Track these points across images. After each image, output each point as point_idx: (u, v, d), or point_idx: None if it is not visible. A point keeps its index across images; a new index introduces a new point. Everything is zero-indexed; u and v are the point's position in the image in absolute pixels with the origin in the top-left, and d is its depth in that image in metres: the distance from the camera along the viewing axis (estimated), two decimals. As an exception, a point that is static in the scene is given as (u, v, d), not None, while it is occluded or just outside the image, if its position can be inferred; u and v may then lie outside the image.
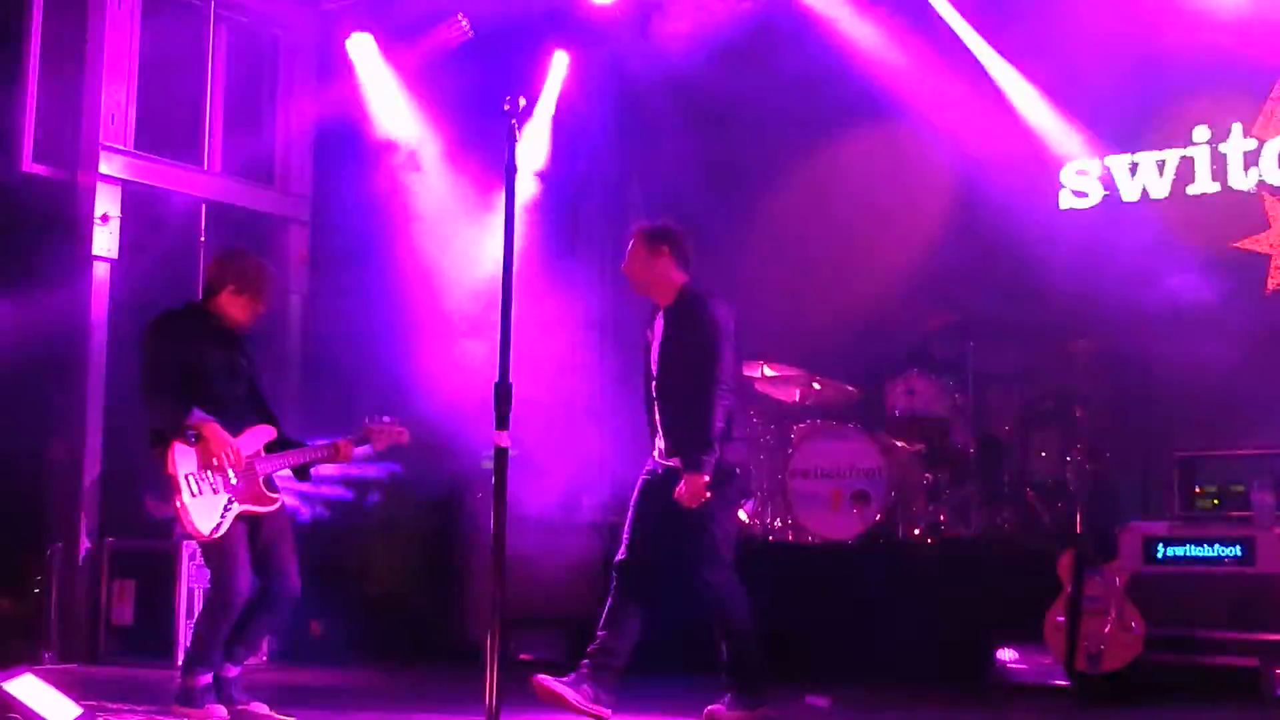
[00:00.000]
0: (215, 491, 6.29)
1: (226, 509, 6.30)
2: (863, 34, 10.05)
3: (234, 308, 6.56)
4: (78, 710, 5.22)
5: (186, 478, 6.26)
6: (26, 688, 5.35)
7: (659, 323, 6.63)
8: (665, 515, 6.41)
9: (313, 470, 6.72)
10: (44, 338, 9.20)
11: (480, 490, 9.84)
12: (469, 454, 9.69)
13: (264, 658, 8.53)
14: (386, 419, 6.75)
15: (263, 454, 6.47)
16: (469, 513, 9.87)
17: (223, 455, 6.27)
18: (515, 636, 8.69)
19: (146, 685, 7.52)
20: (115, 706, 6.49)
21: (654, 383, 6.58)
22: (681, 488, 6.27)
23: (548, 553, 8.90)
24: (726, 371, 6.40)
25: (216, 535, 6.26)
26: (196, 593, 8.77)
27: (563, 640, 8.65)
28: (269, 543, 6.49)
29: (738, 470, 6.54)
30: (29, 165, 9.62)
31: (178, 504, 6.22)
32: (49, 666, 8.04)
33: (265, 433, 6.53)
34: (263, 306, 6.66)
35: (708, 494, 6.26)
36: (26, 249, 9.06)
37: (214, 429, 6.30)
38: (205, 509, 6.27)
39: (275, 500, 6.48)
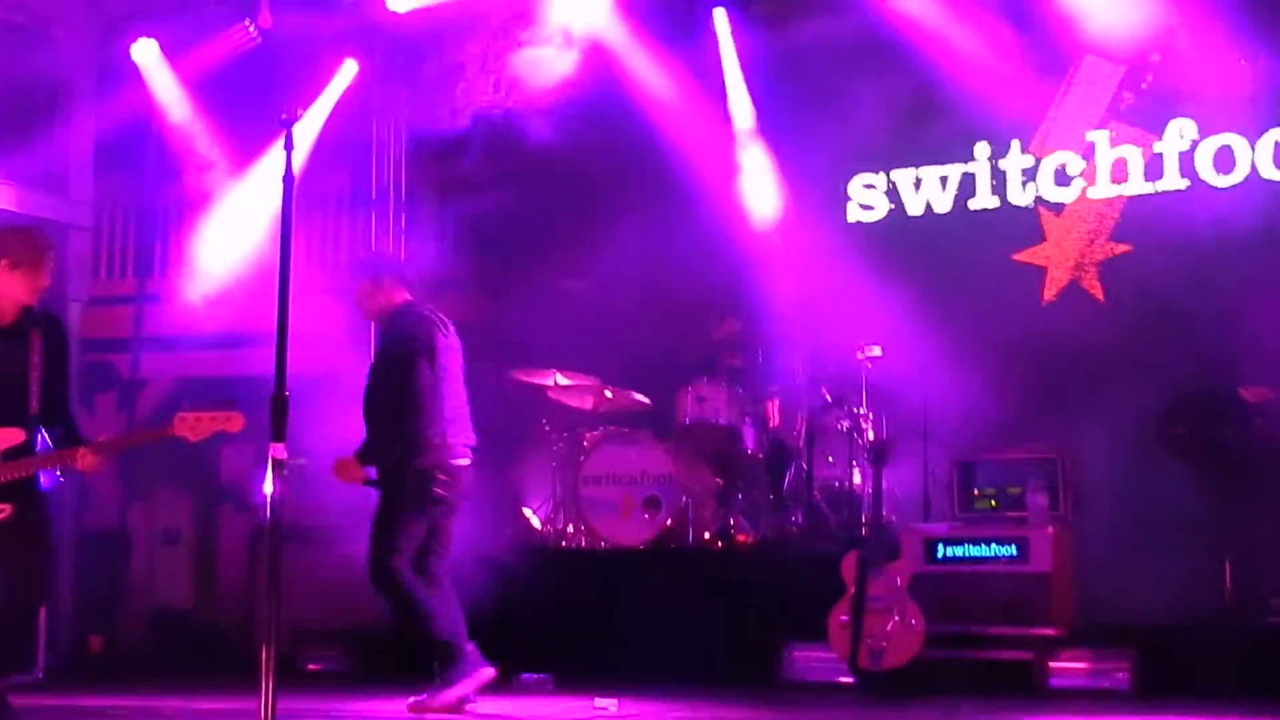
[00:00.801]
0: None
1: None
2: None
3: (10, 286, 6.09)
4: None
5: None
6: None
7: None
8: None
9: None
10: None
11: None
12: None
13: (39, 675, 8.24)
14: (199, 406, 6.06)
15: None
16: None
17: None
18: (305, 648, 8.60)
19: None
20: None
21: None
22: None
23: (334, 564, 8.80)
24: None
25: None
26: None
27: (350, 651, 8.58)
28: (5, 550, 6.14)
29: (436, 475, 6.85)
30: None
31: None
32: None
33: (6, 436, 6.08)
34: (44, 280, 6.17)
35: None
36: None
37: None
38: None
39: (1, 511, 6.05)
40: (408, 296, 7.08)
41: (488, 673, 6.80)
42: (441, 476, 6.88)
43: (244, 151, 10.58)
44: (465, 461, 6.97)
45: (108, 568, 9.95)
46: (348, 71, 10.86)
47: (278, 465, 5.16)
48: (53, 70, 10.84)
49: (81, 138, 10.87)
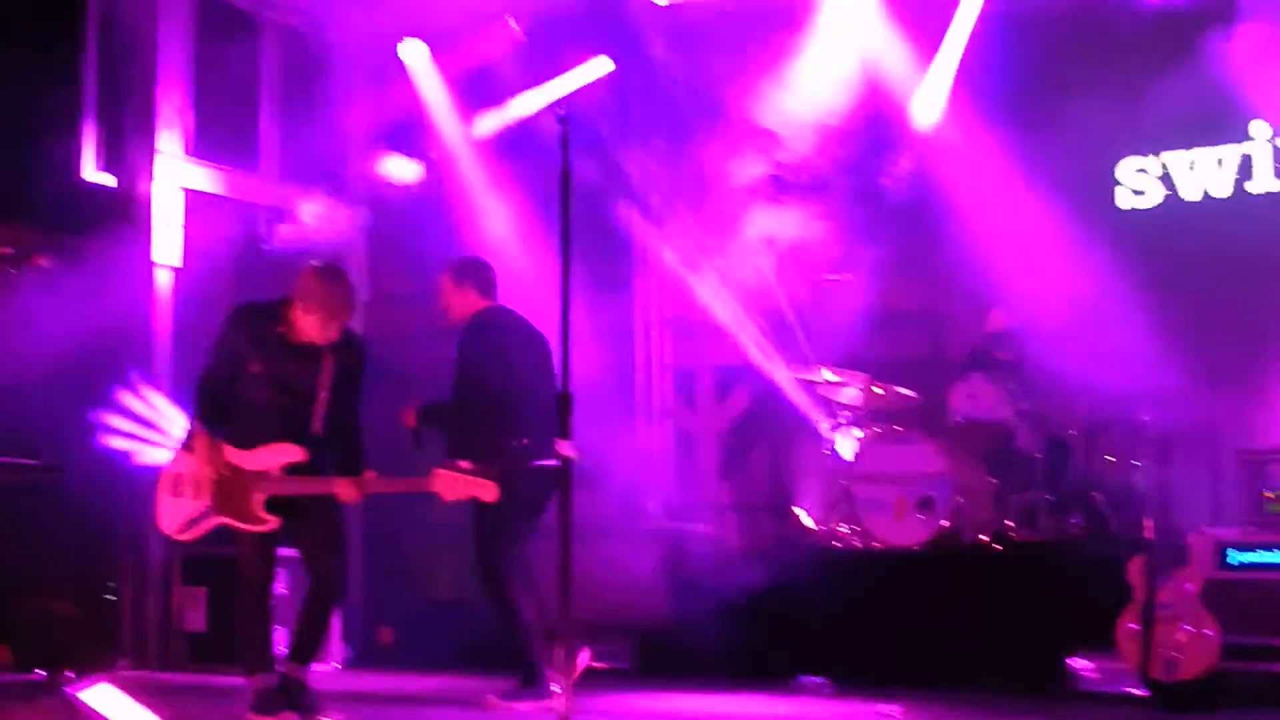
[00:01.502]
0: (194, 498, 6.44)
1: (199, 517, 6.44)
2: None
3: (304, 324, 6.44)
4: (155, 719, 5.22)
5: (173, 476, 6.55)
6: (104, 698, 5.38)
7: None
8: None
9: None
10: (109, 345, 9.24)
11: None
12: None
13: (336, 664, 8.56)
14: (465, 465, 6.28)
15: (274, 474, 6.38)
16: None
17: (199, 474, 6.41)
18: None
19: (219, 692, 7.56)
20: (191, 714, 6.50)
21: None
22: None
23: (611, 560, 8.90)
24: None
25: (181, 537, 6.56)
26: (265, 599, 8.82)
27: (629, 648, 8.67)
28: (307, 544, 6.54)
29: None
30: (88, 174, 9.70)
31: (156, 496, 6.56)
32: (122, 674, 8.07)
33: (285, 453, 6.39)
34: (335, 330, 6.46)
35: None
36: (89, 258, 9.09)
37: (200, 447, 6.43)
38: (176, 511, 6.52)
39: (266, 522, 6.39)
40: (486, 302, 7.43)
41: (548, 703, 6.76)
42: (524, 479, 7.02)
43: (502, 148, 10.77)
44: (549, 462, 6.79)
45: (391, 562, 10.23)
46: (601, 67, 10.90)
47: (566, 462, 5.23)
48: (327, 72, 11.16)
49: (358, 138, 11.16)
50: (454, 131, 11.09)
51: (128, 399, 9.22)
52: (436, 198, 11.20)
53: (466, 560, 9.81)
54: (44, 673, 7.36)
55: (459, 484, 6.17)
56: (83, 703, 5.15)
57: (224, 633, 8.62)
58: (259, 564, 6.50)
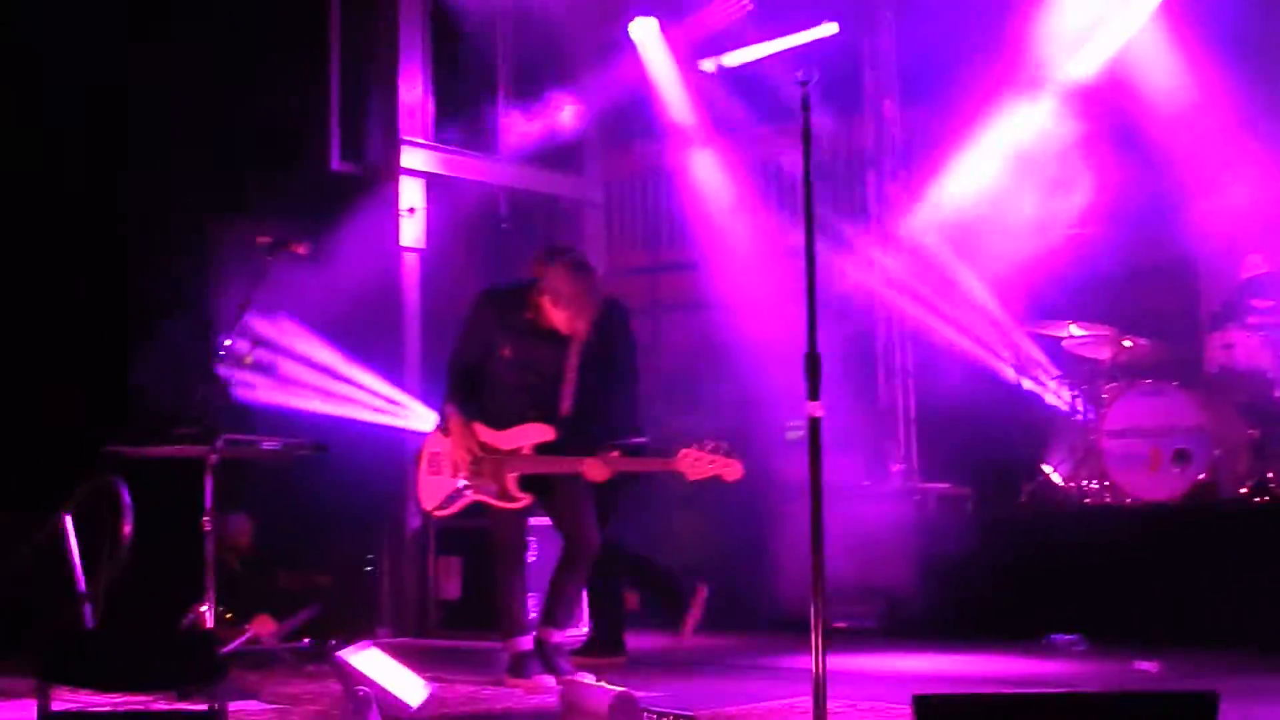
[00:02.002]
0: (451, 476, 6.67)
1: (456, 494, 6.69)
2: None
3: (552, 315, 6.60)
4: (421, 681, 5.41)
5: (430, 455, 6.83)
6: (372, 661, 5.59)
7: None
8: None
9: None
10: (361, 327, 9.59)
11: (784, 461, 9.89)
12: (772, 425, 9.75)
13: (585, 628, 8.72)
14: (710, 444, 6.29)
15: (526, 452, 6.56)
16: (775, 483, 9.89)
17: (455, 454, 6.62)
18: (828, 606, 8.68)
19: (475, 656, 7.80)
20: (450, 677, 6.71)
21: None
22: None
23: (857, 522, 8.88)
24: None
25: (440, 513, 6.83)
26: (518, 568, 9.07)
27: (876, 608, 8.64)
28: (558, 513, 6.72)
29: None
30: (336, 165, 10.06)
31: (416, 474, 6.84)
32: (384, 641, 8.37)
33: (536, 433, 6.56)
34: (582, 325, 6.59)
35: None
36: (339, 245, 9.42)
37: (455, 428, 6.61)
38: (434, 488, 6.80)
39: (519, 500, 6.58)
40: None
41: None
42: None
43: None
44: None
45: (638, 528, 10.36)
46: (826, 31, 10.81)
47: (815, 423, 5.22)
48: (558, 52, 11.33)
49: (589, 117, 11.31)
50: (682, 105, 11.14)
51: (380, 380, 9.56)
52: (666, 172, 11.30)
53: (701, 526, 9.98)
54: (308, 641, 7.68)
55: (704, 463, 6.24)
56: (351, 666, 5.35)
57: (478, 600, 8.89)
58: (513, 532, 6.69)
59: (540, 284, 6.60)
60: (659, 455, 6.57)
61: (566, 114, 10.74)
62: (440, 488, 6.76)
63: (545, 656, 6.59)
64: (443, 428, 6.76)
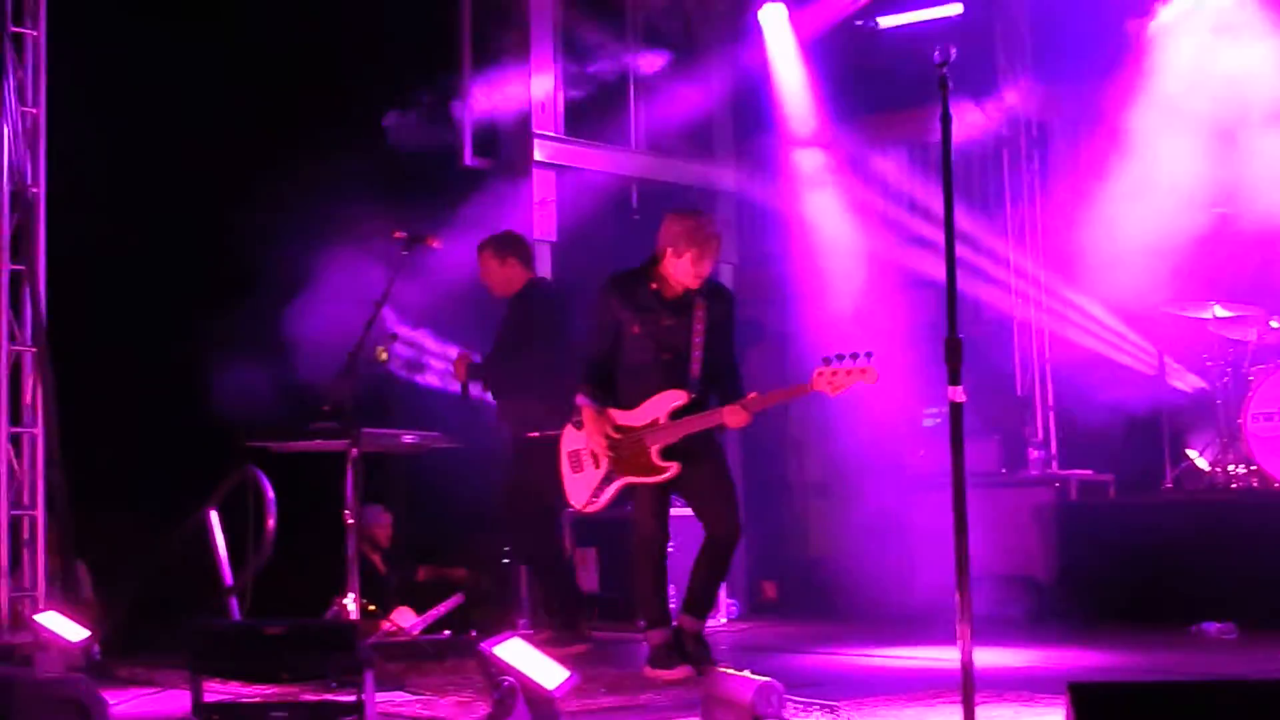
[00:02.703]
0: (595, 468, 6.67)
1: (602, 485, 6.65)
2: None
3: (677, 270, 6.58)
4: (565, 672, 5.42)
5: (569, 454, 6.83)
6: (514, 650, 5.61)
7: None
8: None
9: None
10: (496, 322, 9.64)
11: (921, 448, 9.80)
12: (907, 413, 9.67)
13: (724, 618, 8.73)
14: (839, 357, 6.14)
15: (663, 423, 6.53)
16: (911, 472, 9.81)
17: (593, 443, 6.62)
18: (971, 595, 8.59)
19: (614, 647, 7.82)
20: (590, 668, 6.73)
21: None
22: None
23: (997, 510, 8.78)
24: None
25: (591, 508, 6.76)
26: (656, 558, 9.09)
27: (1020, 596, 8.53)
28: (699, 498, 6.67)
29: None
30: (470, 160, 10.16)
31: (561, 477, 6.82)
32: (525, 633, 8.43)
33: (670, 398, 6.52)
34: (706, 265, 6.59)
35: None
36: (474, 241, 9.51)
37: (589, 418, 6.61)
38: (580, 485, 6.77)
39: (666, 470, 6.52)
40: (529, 274, 7.88)
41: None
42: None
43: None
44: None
45: (773, 517, 10.35)
46: (950, 11, 10.64)
47: (955, 411, 5.14)
48: (689, 41, 11.29)
49: (720, 106, 11.28)
50: (804, 93, 11.04)
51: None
52: (792, 158, 11.23)
53: (836, 514, 9.92)
54: (449, 632, 7.76)
55: (841, 376, 6.13)
56: (495, 657, 5.38)
57: (615, 592, 8.92)
58: (653, 521, 6.67)
59: (658, 249, 6.62)
60: (791, 387, 6.50)
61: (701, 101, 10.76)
62: (586, 483, 6.76)
63: (687, 646, 6.57)
64: (575, 421, 6.77)
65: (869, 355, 6.11)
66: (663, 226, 6.65)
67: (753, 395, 6.45)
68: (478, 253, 7.99)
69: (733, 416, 6.41)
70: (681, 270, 6.56)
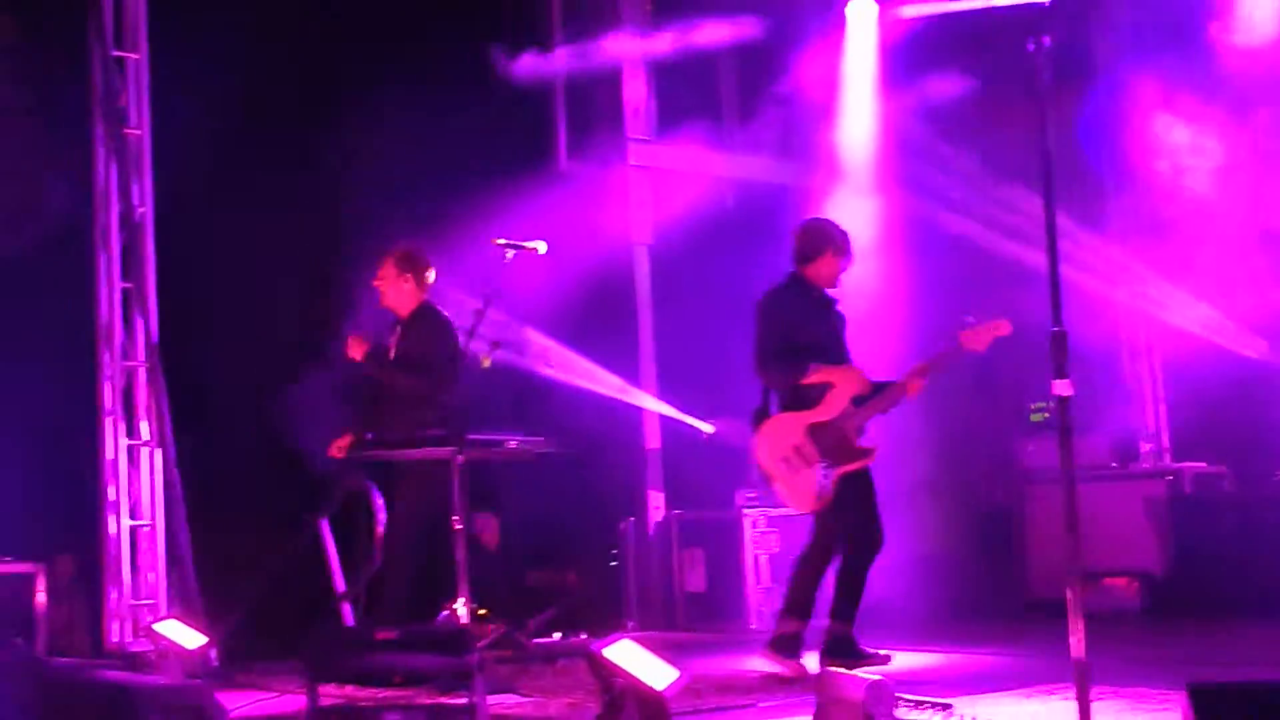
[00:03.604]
0: (807, 466, 6.60)
1: (824, 477, 6.60)
2: None
3: (830, 269, 6.84)
4: (675, 672, 5.44)
5: (767, 467, 6.70)
6: (624, 652, 5.62)
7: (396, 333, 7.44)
8: None
9: None
10: (596, 325, 9.70)
11: (1026, 444, 9.70)
12: (1012, 409, 9.58)
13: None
14: (970, 319, 6.53)
15: (850, 409, 6.63)
16: (1019, 467, 9.71)
17: (795, 442, 6.60)
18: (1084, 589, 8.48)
19: (721, 647, 7.82)
20: (700, 668, 6.74)
21: None
22: None
23: (1110, 503, 8.66)
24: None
25: (822, 503, 6.63)
26: (763, 559, 9.08)
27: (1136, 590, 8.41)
28: (850, 498, 6.68)
29: None
30: (564, 164, 10.21)
31: (775, 490, 6.73)
32: (633, 634, 8.47)
33: (850, 388, 6.68)
34: (850, 264, 6.92)
35: None
36: (572, 242, 9.55)
37: (786, 420, 6.66)
38: (799, 487, 6.66)
39: (872, 450, 6.69)
40: (422, 295, 7.46)
41: None
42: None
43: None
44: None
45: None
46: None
47: (1062, 404, 5.08)
48: (782, 40, 11.23)
49: (811, 103, 11.20)
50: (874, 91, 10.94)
51: (616, 374, 9.66)
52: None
53: (946, 510, 9.82)
54: (559, 635, 7.79)
55: (982, 332, 6.48)
56: (605, 658, 5.40)
57: (723, 591, 8.92)
58: (828, 523, 6.73)
59: (812, 250, 6.83)
60: (944, 349, 6.64)
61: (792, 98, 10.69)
62: (805, 483, 6.68)
63: (841, 650, 6.56)
64: (757, 428, 6.77)
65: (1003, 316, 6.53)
66: (817, 231, 6.91)
67: (918, 364, 6.64)
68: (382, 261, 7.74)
69: (913, 386, 6.62)
70: (833, 270, 6.87)
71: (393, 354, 7.44)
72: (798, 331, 6.75)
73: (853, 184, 10.82)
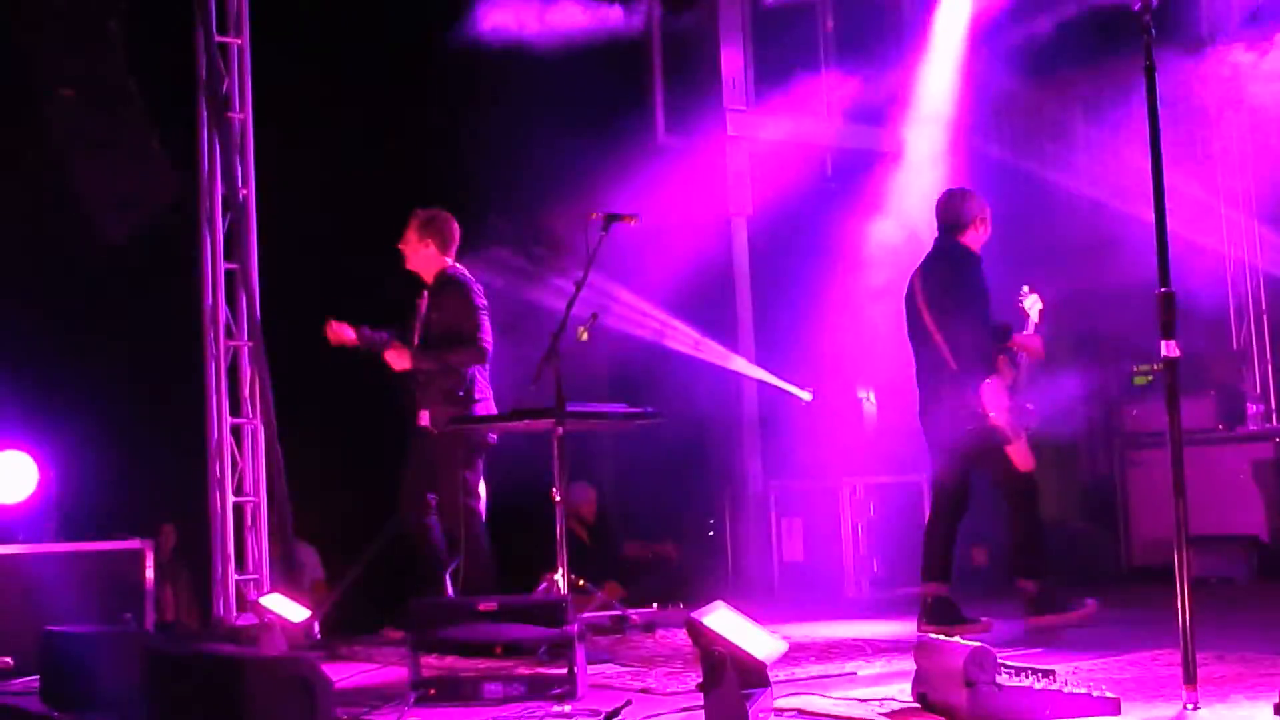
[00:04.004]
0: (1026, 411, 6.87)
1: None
2: None
3: (979, 238, 6.95)
4: (777, 641, 5.43)
5: (1005, 422, 6.75)
6: (723, 620, 5.62)
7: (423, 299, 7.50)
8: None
9: None
10: (694, 296, 9.70)
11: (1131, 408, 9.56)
12: (1116, 372, 9.45)
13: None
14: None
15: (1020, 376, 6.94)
16: (1124, 432, 9.58)
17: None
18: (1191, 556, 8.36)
19: (817, 616, 7.79)
20: (797, 638, 6.73)
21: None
22: None
23: (1215, 467, 8.51)
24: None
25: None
26: (860, 527, 9.05)
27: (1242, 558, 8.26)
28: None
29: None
30: (663, 138, 10.21)
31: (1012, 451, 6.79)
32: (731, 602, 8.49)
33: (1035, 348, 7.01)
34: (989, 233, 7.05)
35: None
36: (670, 214, 9.55)
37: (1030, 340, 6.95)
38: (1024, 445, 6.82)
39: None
40: (445, 259, 7.51)
41: None
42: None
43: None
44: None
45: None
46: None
47: (1170, 366, 5.00)
48: (879, 7, 11.12)
49: (908, 71, 11.08)
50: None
51: (715, 344, 9.66)
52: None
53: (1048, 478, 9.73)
54: (656, 605, 7.82)
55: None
56: (705, 625, 5.41)
57: (822, 560, 8.89)
58: (958, 478, 6.87)
59: (964, 220, 6.92)
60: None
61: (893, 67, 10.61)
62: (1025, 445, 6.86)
63: (942, 614, 6.62)
64: (1011, 361, 6.93)
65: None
66: (966, 202, 6.98)
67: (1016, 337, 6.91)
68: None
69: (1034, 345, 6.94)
70: (980, 238, 6.97)
71: (418, 325, 7.52)
72: (987, 297, 6.86)
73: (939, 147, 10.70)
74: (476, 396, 7.38)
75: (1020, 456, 6.72)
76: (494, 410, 7.42)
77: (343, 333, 7.47)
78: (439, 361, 7.41)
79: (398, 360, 7.44)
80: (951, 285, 6.82)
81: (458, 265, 7.59)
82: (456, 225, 7.61)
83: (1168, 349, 4.94)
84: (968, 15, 10.66)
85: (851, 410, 9.69)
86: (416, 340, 7.50)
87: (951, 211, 6.96)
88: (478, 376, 7.42)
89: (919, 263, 7.05)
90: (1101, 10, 9.74)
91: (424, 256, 7.57)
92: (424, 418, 7.40)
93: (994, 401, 6.66)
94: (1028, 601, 6.64)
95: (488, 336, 7.38)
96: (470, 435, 7.31)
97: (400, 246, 7.60)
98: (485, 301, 7.45)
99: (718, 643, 5.03)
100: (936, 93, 10.77)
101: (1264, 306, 10.08)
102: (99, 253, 8.25)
